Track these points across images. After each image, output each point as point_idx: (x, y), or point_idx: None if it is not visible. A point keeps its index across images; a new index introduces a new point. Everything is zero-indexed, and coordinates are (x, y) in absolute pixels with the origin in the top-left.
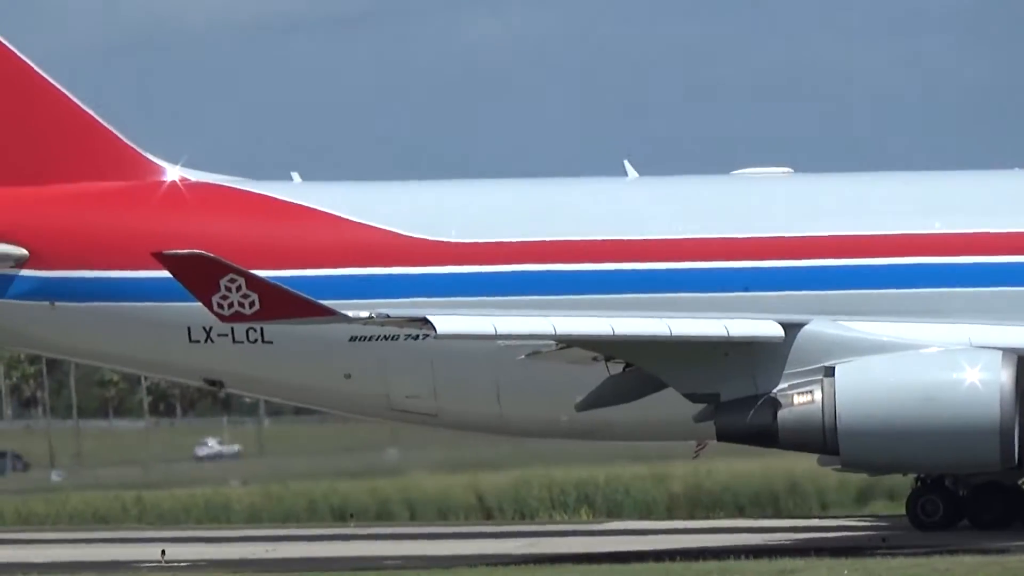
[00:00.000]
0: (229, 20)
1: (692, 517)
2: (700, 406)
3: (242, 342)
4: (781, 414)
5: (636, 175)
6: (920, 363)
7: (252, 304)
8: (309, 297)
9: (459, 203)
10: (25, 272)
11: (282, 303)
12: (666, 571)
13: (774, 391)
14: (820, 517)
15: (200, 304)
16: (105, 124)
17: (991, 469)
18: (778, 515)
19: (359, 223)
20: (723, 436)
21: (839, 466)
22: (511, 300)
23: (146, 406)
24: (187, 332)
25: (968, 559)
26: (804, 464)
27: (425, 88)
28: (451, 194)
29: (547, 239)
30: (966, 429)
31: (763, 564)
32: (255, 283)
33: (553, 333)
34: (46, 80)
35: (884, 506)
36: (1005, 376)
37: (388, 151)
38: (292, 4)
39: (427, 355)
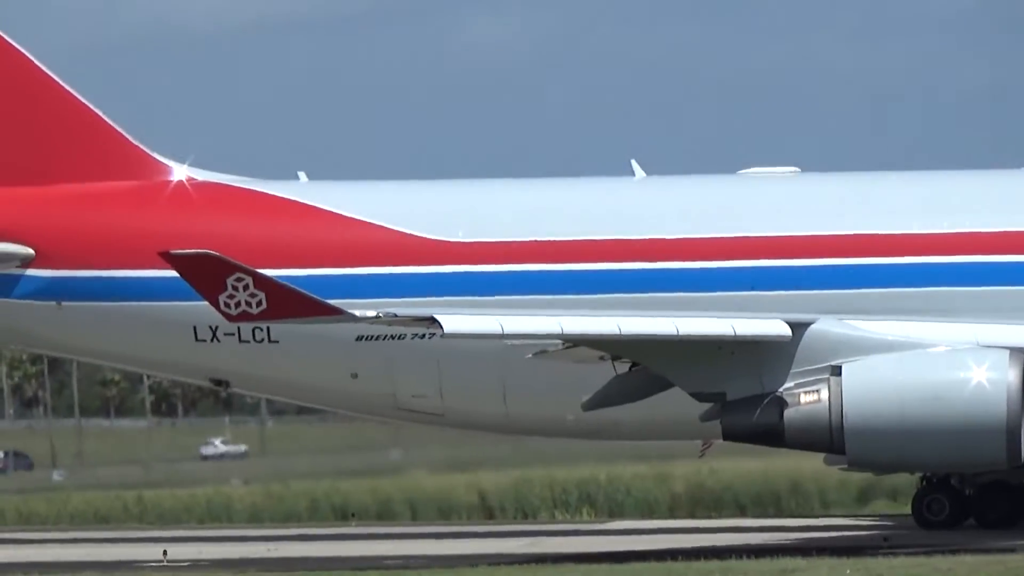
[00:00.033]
0: (236, 20)
1: (694, 516)
2: (706, 405)
3: (248, 341)
4: (787, 413)
5: (643, 175)
6: (927, 362)
7: (259, 303)
8: (316, 296)
9: (466, 203)
10: (31, 272)
11: (289, 302)
12: (668, 571)
13: (780, 390)
14: (822, 516)
15: (206, 303)
16: (112, 124)
17: (998, 468)
18: (780, 514)
19: (366, 222)
20: (729, 435)
21: (845, 465)
22: (518, 300)
23: (148, 406)
24: (193, 331)
25: (970, 558)
26: (805, 463)
27: (425, 88)
28: (458, 194)
29: (554, 239)
30: (973, 428)
31: (765, 563)
32: (262, 282)
33: (560, 332)
34: (53, 80)
35: (885, 505)
36: (1012, 375)
37: (392, 151)
38: (294, 4)
39: (433, 355)
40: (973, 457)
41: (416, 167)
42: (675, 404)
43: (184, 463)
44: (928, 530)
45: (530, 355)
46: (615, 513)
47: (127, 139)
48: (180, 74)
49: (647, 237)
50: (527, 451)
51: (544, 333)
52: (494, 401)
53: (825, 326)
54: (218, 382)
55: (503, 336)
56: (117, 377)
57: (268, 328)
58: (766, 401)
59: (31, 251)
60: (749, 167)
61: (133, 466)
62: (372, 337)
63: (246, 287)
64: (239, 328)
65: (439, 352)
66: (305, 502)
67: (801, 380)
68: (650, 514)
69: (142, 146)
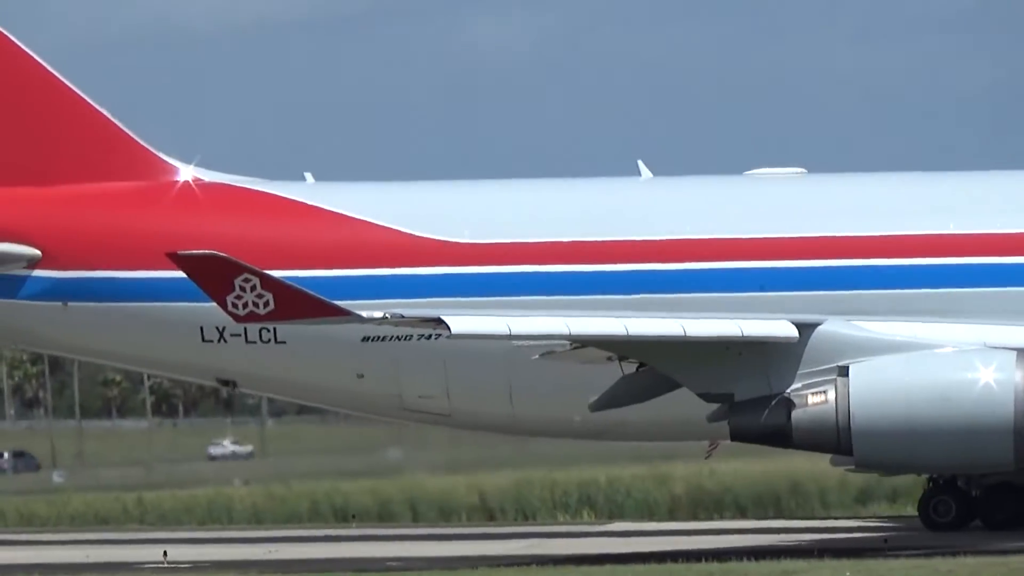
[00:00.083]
0: (236, 20)
1: (694, 518)
2: (714, 406)
3: (255, 342)
4: (795, 414)
5: (650, 175)
6: (934, 363)
7: (266, 304)
8: (323, 297)
9: (472, 204)
10: (38, 272)
11: (296, 303)
12: (668, 572)
13: (788, 391)
14: (822, 518)
15: (213, 304)
16: (118, 124)
17: (1005, 469)
18: (780, 516)
19: (372, 223)
20: (737, 436)
21: (852, 466)
22: (525, 300)
23: (149, 406)
24: (200, 332)
25: (971, 560)
26: (806, 465)
27: (432, 89)
28: (465, 195)
29: (561, 239)
30: (980, 429)
31: (765, 565)
32: (269, 283)
33: (567, 333)
34: (59, 80)
35: (886, 507)
36: (1019, 376)
37: (398, 152)
38: (295, 4)
39: (440, 355)
40: (980, 458)
41: (423, 168)
42: (682, 405)
43: (188, 463)
44: (935, 532)
45: (537, 356)
46: (615, 515)
47: (133, 139)
48: (185, 74)
49: (654, 238)
50: (527, 452)
51: (551, 334)
52: (501, 402)
53: (832, 327)
54: (225, 382)
55: (510, 337)
56: (118, 377)
57: (275, 329)
58: (774, 402)
59: (37, 252)
60: (756, 168)
61: (134, 467)
62: (378, 338)
63: (253, 288)
64: (246, 329)
65: (445, 353)
66: (306, 503)
67: (809, 381)
68: (650, 516)
69: (149, 147)
